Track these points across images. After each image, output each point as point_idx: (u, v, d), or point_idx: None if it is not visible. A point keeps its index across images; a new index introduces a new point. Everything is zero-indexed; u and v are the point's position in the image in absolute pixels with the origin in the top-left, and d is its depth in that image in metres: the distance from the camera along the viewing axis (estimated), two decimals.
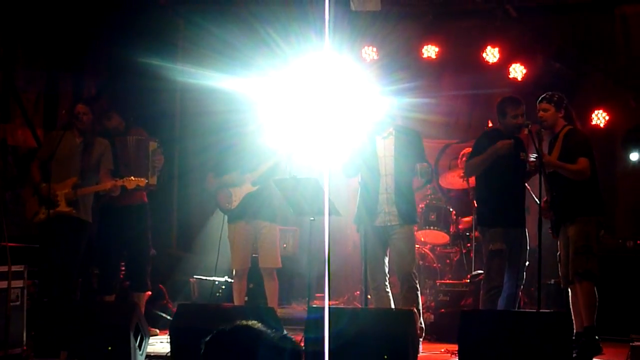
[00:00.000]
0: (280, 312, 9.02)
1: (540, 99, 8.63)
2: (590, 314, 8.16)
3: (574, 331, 7.85)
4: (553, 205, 8.37)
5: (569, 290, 8.49)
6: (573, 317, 8.14)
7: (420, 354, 8.26)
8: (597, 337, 8.16)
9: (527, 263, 8.63)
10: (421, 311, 8.64)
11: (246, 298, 9.78)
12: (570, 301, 8.48)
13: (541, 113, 8.57)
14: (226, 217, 9.53)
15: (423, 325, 8.80)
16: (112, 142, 9.51)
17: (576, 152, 8.30)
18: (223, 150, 9.84)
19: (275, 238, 9.50)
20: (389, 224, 8.50)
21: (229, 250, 9.53)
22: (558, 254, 8.57)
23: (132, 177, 9.08)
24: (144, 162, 9.44)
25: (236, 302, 9.42)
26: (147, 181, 9.21)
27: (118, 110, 9.76)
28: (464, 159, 11.39)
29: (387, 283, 8.64)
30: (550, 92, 8.63)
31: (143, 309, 9.30)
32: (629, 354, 7.65)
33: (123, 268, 9.95)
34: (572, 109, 8.66)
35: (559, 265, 8.55)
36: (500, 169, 8.50)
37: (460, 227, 11.27)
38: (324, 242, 10.78)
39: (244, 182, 9.35)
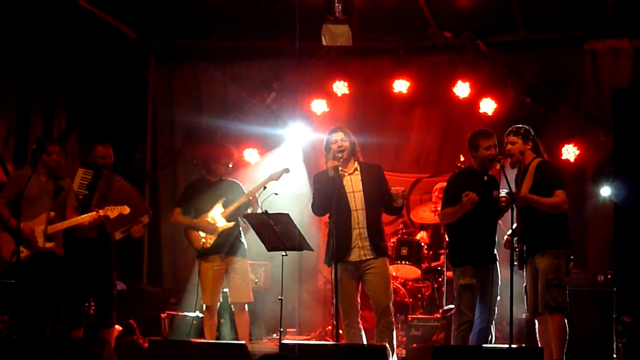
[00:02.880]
0: (250, 347, 8.97)
1: (507, 132, 8.65)
2: (561, 347, 8.17)
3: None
4: (522, 237, 8.39)
5: (536, 321, 8.51)
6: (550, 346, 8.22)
7: None
8: None
9: (498, 298, 8.63)
10: (395, 346, 8.60)
11: (217, 333, 9.74)
12: (538, 332, 8.50)
13: (509, 146, 8.60)
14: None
15: None
16: (96, 173, 9.41)
17: (552, 184, 8.31)
18: (191, 185, 9.84)
19: (247, 272, 9.51)
20: (363, 258, 8.48)
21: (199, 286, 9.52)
22: (524, 285, 8.58)
23: (112, 207, 9.01)
24: (127, 219, 9.33)
25: (207, 338, 9.40)
26: (128, 210, 9.12)
27: (103, 143, 9.65)
28: (436, 193, 11.45)
29: (359, 319, 8.61)
30: (516, 125, 8.67)
31: (113, 345, 9.22)
32: None
33: (93, 303, 9.84)
34: (539, 141, 8.70)
35: (526, 296, 8.56)
36: (471, 211, 8.50)
37: (432, 263, 11.27)
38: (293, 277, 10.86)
39: (216, 226, 9.38)
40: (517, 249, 8.41)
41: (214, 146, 9.93)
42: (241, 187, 9.63)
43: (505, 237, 8.72)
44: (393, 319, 8.58)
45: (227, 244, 9.42)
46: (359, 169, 8.61)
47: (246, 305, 9.49)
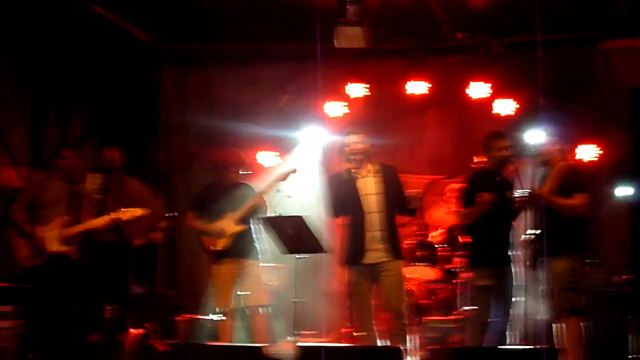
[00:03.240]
0: (269, 349, 8.96)
1: (533, 134, 8.67)
2: (577, 350, 8.15)
3: None
4: (538, 239, 8.37)
5: (553, 325, 8.49)
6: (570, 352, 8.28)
7: None
8: None
9: (513, 299, 8.61)
10: (408, 349, 8.60)
11: (232, 337, 9.73)
12: (555, 336, 8.47)
13: (541, 148, 8.62)
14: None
15: None
16: (107, 177, 9.42)
17: (572, 188, 8.30)
18: (204, 189, 9.83)
19: (259, 275, 9.48)
20: (378, 260, 8.47)
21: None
22: (541, 288, 8.56)
23: (124, 209, 9.02)
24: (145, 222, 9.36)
25: (222, 341, 9.38)
26: (141, 212, 9.12)
27: (109, 146, 9.67)
28: (448, 195, 11.44)
29: (373, 321, 8.60)
30: (544, 127, 8.67)
31: (128, 348, 9.22)
32: None
33: (109, 307, 9.84)
34: (565, 143, 8.70)
35: (545, 299, 8.53)
36: (485, 213, 8.50)
37: (446, 265, 11.24)
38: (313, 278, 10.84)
39: (226, 231, 9.37)
40: (532, 250, 8.40)
41: (223, 151, 9.90)
42: (253, 190, 9.60)
43: (522, 237, 8.71)
44: (406, 322, 8.56)
45: (238, 247, 9.41)
46: (372, 171, 8.59)
47: (261, 309, 9.47)
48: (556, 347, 8.21)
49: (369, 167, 8.63)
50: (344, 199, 8.45)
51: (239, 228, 9.38)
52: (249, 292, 9.41)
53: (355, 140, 8.58)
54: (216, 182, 9.71)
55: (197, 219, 9.65)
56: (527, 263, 8.57)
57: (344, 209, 8.48)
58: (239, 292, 9.61)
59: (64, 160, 9.13)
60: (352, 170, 8.49)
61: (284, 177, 9.59)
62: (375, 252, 8.49)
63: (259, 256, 9.52)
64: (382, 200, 8.52)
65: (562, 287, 8.23)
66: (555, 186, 8.38)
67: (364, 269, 8.50)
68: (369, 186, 8.55)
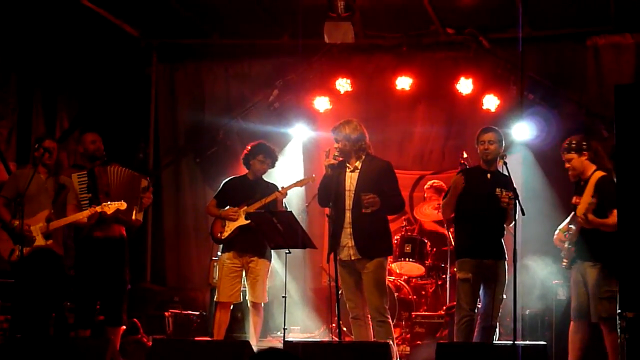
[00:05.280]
0: (259, 345, 8.97)
1: (561, 149, 8.64)
2: (617, 355, 8.23)
3: None
4: (578, 243, 8.46)
5: (572, 323, 8.59)
6: (570, 352, 8.48)
7: None
8: None
9: (504, 297, 8.60)
10: (394, 344, 8.59)
11: (225, 333, 9.72)
12: (570, 335, 8.59)
13: (567, 165, 8.58)
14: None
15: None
16: (89, 172, 9.41)
17: (610, 203, 8.24)
18: (231, 180, 9.80)
19: (264, 273, 9.46)
20: (347, 258, 8.47)
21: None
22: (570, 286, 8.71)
23: (109, 202, 9.00)
24: (133, 196, 9.34)
25: (215, 334, 9.37)
26: (127, 207, 9.11)
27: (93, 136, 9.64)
28: (427, 191, 11.50)
29: (366, 313, 8.57)
30: (568, 139, 8.64)
31: (118, 344, 9.22)
32: None
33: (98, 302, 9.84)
34: (599, 146, 8.68)
35: (573, 299, 8.63)
36: (471, 204, 8.53)
37: (435, 261, 11.26)
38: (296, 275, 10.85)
39: (238, 218, 9.40)
40: (568, 252, 8.51)
41: (255, 143, 9.85)
42: (274, 189, 9.59)
43: (557, 232, 8.76)
44: (387, 318, 8.51)
45: (244, 242, 9.40)
46: (359, 166, 8.56)
47: (262, 306, 9.49)
48: (572, 349, 8.30)
49: (356, 162, 8.59)
50: (328, 192, 8.44)
51: (247, 222, 9.35)
52: (249, 289, 9.40)
53: (338, 136, 8.55)
54: (244, 175, 9.71)
55: (215, 207, 9.65)
56: (563, 264, 8.61)
57: (330, 203, 8.45)
58: (243, 287, 9.60)
59: (46, 152, 9.07)
60: (335, 166, 8.46)
61: (302, 183, 9.68)
62: (346, 249, 8.48)
63: (266, 254, 9.48)
64: (355, 198, 8.47)
65: (599, 297, 8.30)
66: (593, 202, 8.32)
67: (343, 263, 8.51)
68: (353, 182, 8.52)
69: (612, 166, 8.53)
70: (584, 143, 8.57)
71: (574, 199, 8.45)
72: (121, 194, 9.22)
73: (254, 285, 9.39)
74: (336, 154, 8.48)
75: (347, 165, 8.57)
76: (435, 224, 11.68)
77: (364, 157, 8.61)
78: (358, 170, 8.54)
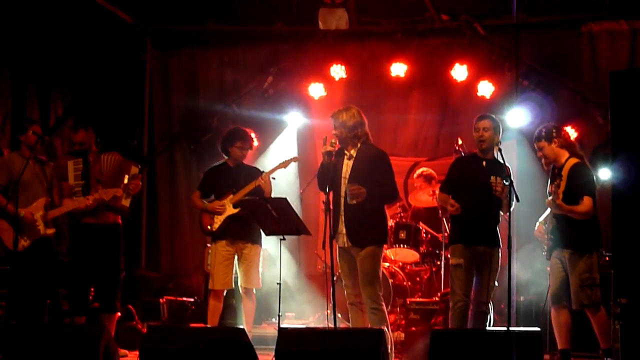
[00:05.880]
0: (251, 332, 8.98)
1: (533, 140, 8.71)
2: (606, 337, 8.32)
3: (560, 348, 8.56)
4: (554, 231, 8.54)
5: (552, 310, 8.67)
6: (557, 337, 8.61)
7: None
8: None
9: (495, 284, 8.62)
10: (389, 331, 8.60)
11: (220, 320, 9.74)
12: (552, 321, 8.69)
13: (539, 153, 8.70)
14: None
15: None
16: (84, 159, 9.41)
17: (582, 190, 8.33)
18: (211, 169, 9.79)
19: (256, 258, 9.45)
20: (346, 245, 8.49)
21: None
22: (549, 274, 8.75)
23: (107, 189, 9.01)
24: (121, 183, 9.33)
25: (210, 322, 9.37)
26: (122, 191, 9.12)
27: (87, 126, 9.63)
28: (417, 177, 11.48)
29: (362, 301, 8.58)
30: (538, 129, 8.71)
31: (113, 331, 9.23)
32: None
33: (92, 289, 9.84)
34: (565, 134, 8.74)
35: (551, 285, 8.69)
36: (465, 190, 8.55)
37: (429, 248, 11.26)
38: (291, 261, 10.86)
39: (225, 209, 9.37)
40: (548, 241, 8.63)
41: (230, 129, 9.84)
42: (258, 173, 9.54)
43: (537, 224, 8.84)
44: (380, 306, 8.50)
45: (235, 230, 9.38)
46: (354, 154, 8.54)
47: (254, 292, 9.48)
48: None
49: (352, 150, 8.58)
50: (324, 179, 8.43)
51: (236, 210, 9.35)
52: (241, 275, 9.39)
53: (336, 123, 8.54)
54: (224, 163, 9.67)
55: (199, 199, 9.62)
56: (543, 253, 8.70)
57: (326, 189, 8.44)
58: (234, 274, 9.60)
59: (40, 138, 9.06)
60: (332, 153, 8.44)
61: (286, 164, 9.57)
62: (341, 237, 8.49)
63: (258, 240, 9.47)
64: (345, 185, 8.47)
65: (580, 284, 8.37)
66: (565, 187, 8.38)
67: (340, 250, 8.54)
68: (347, 169, 8.52)
69: (583, 153, 8.77)
70: (554, 130, 8.66)
71: (549, 188, 8.48)
72: (111, 180, 9.23)
73: (247, 271, 9.38)
74: (333, 141, 8.47)
75: (345, 152, 8.57)
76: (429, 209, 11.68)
77: (359, 145, 8.60)
78: (353, 158, 8.53)
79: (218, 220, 9.42)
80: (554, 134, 8.60)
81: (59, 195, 9.23)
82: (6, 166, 9.13)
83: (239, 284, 9.48)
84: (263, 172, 9.50)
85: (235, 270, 9.51)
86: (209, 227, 9.46)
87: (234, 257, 9.44)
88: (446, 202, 8.64)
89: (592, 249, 8.44)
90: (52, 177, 9.25)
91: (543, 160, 8.73)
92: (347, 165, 8.52)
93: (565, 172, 8.44)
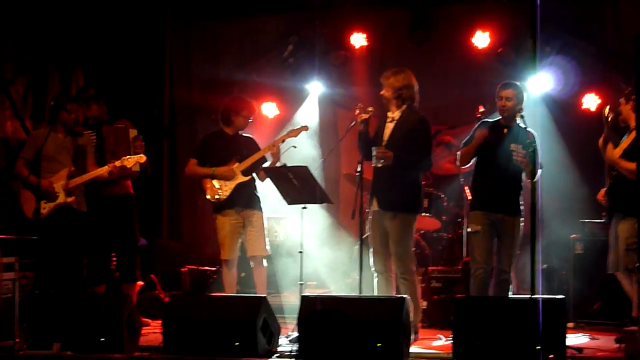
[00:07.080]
0: (272, 301, 8.97)
1: (621, 98, 8.62)
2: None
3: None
4: (610, 193, 8.52)
5: (616, 275, 8.65)
6: (633, 302, 8.50)
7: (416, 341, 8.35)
8: None
9: (516, 252, 8.57)
10: (418, 301, 8.61)
11: (238, 287, 9.74)
12: (625, 288, 8.62)
13: (620, 107, 8.61)
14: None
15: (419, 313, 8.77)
16: (97, 132, 9.44)
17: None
18: (208, 137, 9.75)
19: (262, 226, 9.44)
20: (375, 208, 8.51)
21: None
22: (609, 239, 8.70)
23: (129, 156, 9.02)
24: (127, 149, 9.34)
25: (227, 291, 9.38)
26: (145, 158, 9.13)
27: (99, 100, 9.64)
28: (437, 144, 11.41)
29: (392, 267, 8.59)
30: (622, 85, 8.68)
31: (135, 300, 9.26)
32: (622, 337, 7.71)
33: (114, 259, 9.87)
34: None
35: (609, 251, 8.66)
36: (486, 158, 8.53)
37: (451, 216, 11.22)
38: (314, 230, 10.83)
39: (235, 175, 9.31)
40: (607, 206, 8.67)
41: (235, 98, 9.80)
42: (256, 143, 9.54)
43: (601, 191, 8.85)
44: (410, 276, 8.51)
45: (243, 198, 9.35)
46: (396, 118, 8.55)
47: (264, 260, 9.47)
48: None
49: (395, 112, 8.57)
50: (361, 147, 8.44)
51: (245, 179, 9.34)
52: (251, 243, 9.38)
53: (383, 83, 8.56)
54: (220, 131, 9.61)
55: (198, 166, 9.55)
56: (603, 219, 8.68)
57: (364, 157, 8.46)
58: (242, 242, 9.58)
59: (69, 115, 9.10)
60: (367, 121, 8.44)
61: (296, 133, 9.48)
62: (374, 201, 8.52)
63: (262, 207, 9.47)
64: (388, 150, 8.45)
65: (627, 248, 8.34)
66: (630, 145, 8.31)
67: (373, 215, 8.54)
68: (387, 132, 8.53)
69: None
70: (632, 95, 8.51)
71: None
72: (123, 150, 9.24)
73: (258, 239, 9.37)
74: (370, 109, 8.46)
75: (387, 115, 8.57)
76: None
77: (404, 107, 8.58)
78: (395, 122, 8.52)
79: (227, 189, 9.36)
80: (632, 98, 8.48)
81: (86, 165, 9.23)
82: (35, 141, 9.17)
83: (249, 253, 9.45)
84: (255, 141, 9.53)
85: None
86: (216, 196, 9.38)
87: (241, 226, 9.42)
88: (468, 149, 8.59)
89: (636, 213, 8.35)
90: (85, 148, 9.24)
91: (620, 118, 8.61)
92: (387, 128, 8.52)
93: (633, 133, 8.37)
